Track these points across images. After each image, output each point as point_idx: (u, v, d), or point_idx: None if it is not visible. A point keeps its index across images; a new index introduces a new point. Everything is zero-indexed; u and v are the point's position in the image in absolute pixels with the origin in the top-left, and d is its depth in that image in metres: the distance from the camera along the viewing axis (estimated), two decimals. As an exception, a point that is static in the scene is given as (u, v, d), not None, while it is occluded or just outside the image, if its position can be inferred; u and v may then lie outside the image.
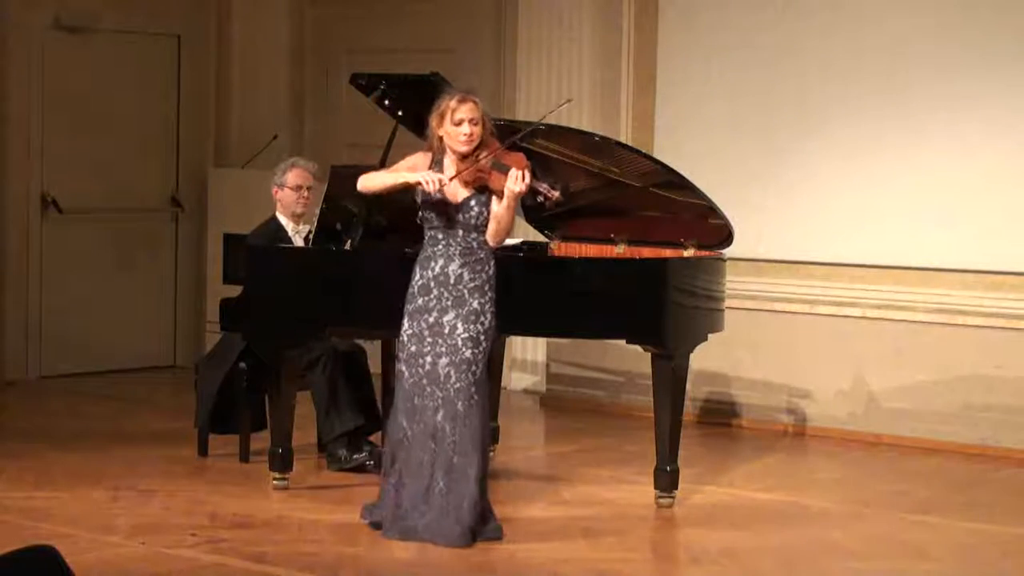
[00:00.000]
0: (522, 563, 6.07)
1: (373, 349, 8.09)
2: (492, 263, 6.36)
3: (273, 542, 6.29)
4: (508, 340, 8.94)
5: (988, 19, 8.61)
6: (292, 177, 7.80)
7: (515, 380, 10.31)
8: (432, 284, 6.33)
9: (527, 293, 6.80)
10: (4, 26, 10.20)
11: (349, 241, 7.23)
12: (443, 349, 6.27)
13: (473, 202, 6.31)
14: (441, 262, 6.33)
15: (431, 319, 6.31)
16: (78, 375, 10.45)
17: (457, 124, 6.25)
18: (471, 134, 6.25)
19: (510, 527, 6.48)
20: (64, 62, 10.46)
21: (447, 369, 6.26)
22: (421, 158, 6.43)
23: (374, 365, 7.98)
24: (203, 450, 7.92)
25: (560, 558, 6.14)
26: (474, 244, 6.32)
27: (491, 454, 8.01)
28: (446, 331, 6.28)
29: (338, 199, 7.26)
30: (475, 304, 6.28)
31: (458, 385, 6.25)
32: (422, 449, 6.30)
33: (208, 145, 11.25)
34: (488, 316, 6.31)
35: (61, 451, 8.01)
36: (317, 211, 7.37)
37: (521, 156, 6.31)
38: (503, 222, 6.29)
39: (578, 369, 9.88)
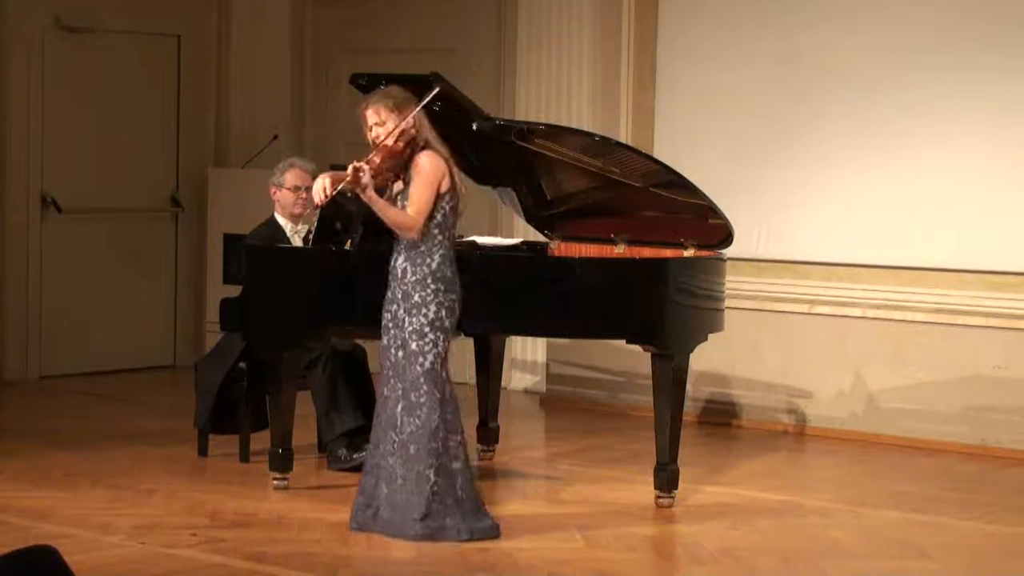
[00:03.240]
0: (521, 563, 6.07)
1: (373, 349, 8.09)
2: (437, 256, 6.38)
3: (273, 542, 6.29)
4: (508, 340, 8.94)
5: (987, 20, 8.61)
6: (290, 177, 7.80)
7: (515, 380, 10.31)
8: (391, 278, 6.46)
9: (527, 293, 6.80)
10: (4, 26, 10.20)
11: (349, 241, 7.22)
12: (399, 342, 6.39)
13: (400, 196, 6.44)
14: (394, 256, 6.48)
15: (392, 310, 6.44)
16: (78, 375, 10.45)
17: (369, 131, 6.43)
18: (377, 136, 6.41)
19: (509, 527, 6.48)
20: (64, 62, 10.46)
21: (403, 362, 6.37)
22: None
23: (374, 365, 7.97)
24: (203, 450, 7.92)
25: (559, 558, 6.14)
26: (415, 237, 6.39)
27: (491, 454, 8.05)
28: (401, 324, 6.40)
29: (338, 199, 7.24)
30: (416, 297, 6.37)
31: (410, 376, 6.35)
32: (383, 440, 6.41)
33: (208, 145, 11.26)
34: (432, 308, 6.35)
35: (61, 451, 8.01)
36: (316, 211, 7.35)
37: (381, 150, 6.35)
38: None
39: (578, 369, 9.88)
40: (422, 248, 6.39)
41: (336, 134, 11.14)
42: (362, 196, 6.31)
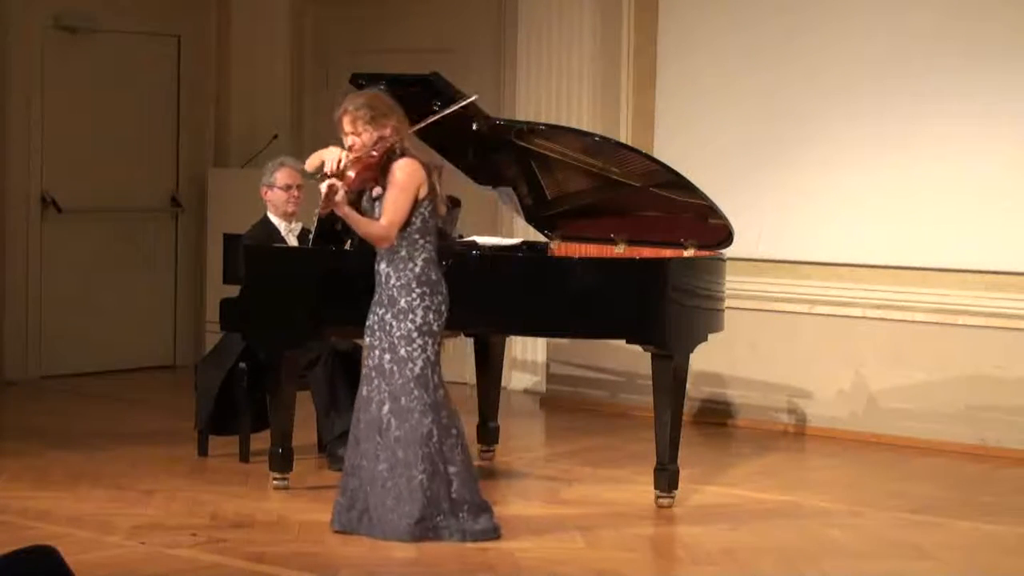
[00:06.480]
0: (521, 563, 6.07)
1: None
2: (420, 261, 6.34)
3: (273, 542, 6.29)
4: (508, 340, 8.94)
5: (986, 19, 8.61)
6: (281, 177, 7.81)
7: (515, 380, 10.31)
8: (376, 282, 6.43)
9: (527, 293, 6.80)
10: (4, 26, 10.20)
11: (349, 241, 7.23)
12: (386, 345, 6.35)
13: (378, 202, 6.41)
14: (378, 260, 6.44)
15: (380, 313, 6.39)
16: (78, 375, 10.45)
17: (345, 136, 6.49)
18: (352, 145, 6.43)
19: (509, 527, 6.48)
20: (64, 62, 10.46)
21: (391, 365, 6.33)
22: None
23: (374, 365, 7.96)
24: (203, 450, 7.92)
25: (559, 558, 6.14)
26: (395, 243, 6.36)
27: (491, 454, 8.05)
28: (387, 328, 6.36)
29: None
30: (402, 303, 6.33)
31: (400, 381, 6.31)
32: (367, 440, 6.38)
33: (208, 145, 11.26)
34: (419, 312, 6.32)
35: (61, 451, 8.01)
36: (316, 211, 7.35)
37: (355, 164, 6.36)
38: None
39: (578, 369, 9.88)
40: (403, 253, 6.35)
41: (336, 134, 11.10)
42: (336, 211, 6.31)
